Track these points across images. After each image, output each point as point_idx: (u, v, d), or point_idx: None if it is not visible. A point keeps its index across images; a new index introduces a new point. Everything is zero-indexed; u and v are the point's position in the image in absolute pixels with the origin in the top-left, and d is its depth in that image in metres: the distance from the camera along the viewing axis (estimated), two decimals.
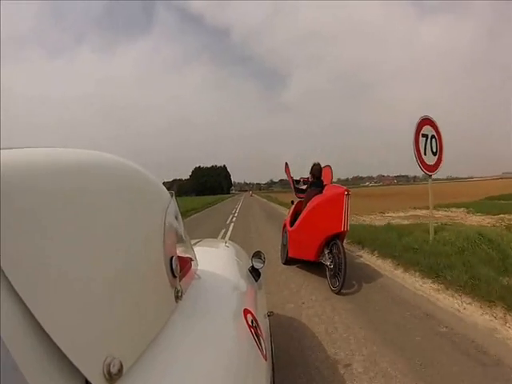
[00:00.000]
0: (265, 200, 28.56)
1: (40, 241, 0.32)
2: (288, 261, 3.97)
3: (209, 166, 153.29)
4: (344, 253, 2.97)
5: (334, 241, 3.14)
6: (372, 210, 9.86)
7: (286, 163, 4.34)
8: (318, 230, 3.23)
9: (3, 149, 0.37)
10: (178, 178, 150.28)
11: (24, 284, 0.29)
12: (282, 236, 4.33)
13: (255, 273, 1.30)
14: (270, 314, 1.41)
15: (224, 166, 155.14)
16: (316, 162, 3.74)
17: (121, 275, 0.44)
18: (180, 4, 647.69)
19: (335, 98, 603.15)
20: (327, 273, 3.16)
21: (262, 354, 0.76)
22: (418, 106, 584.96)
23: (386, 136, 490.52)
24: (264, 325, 0.99)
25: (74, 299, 0.34)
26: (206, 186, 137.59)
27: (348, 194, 3.06)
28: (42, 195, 0.34)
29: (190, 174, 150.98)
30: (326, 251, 3.21)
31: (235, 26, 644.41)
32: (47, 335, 0.30)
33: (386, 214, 9.07)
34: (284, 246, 4.16)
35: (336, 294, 2.87)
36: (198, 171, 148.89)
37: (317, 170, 3.68)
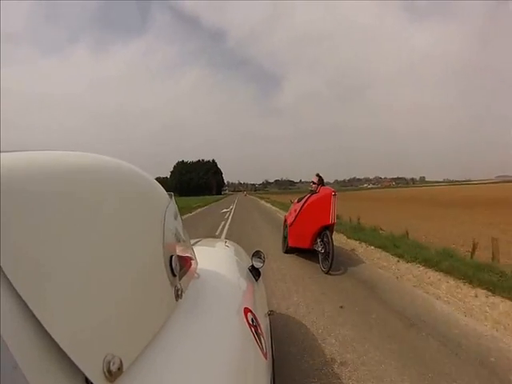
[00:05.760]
0: None
1: (40, 241, 0.33)
2: (288, 250, 4.80)
3: (195, 160, 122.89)
4: (332, 241, 3.76)
5: (324, 231, 3.95)
6: None
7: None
8: (312, 223, 4.04)
9: (3, 152, 0.37)
10: (162, 176, 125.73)
11: (24, 283, 0.29)
12: (283, 230, 5.14)
13: (255, 272, 1.31)
14: (271, 313, 1.40)
15: (213, 160, 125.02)
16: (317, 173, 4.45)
17: (121, 274, 0.44)
18: (175, 5, 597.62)
19: (330, 101, 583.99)
20: (319, 257, 3.99)
21: (263, 352, 0.76)
22: (412, 110, 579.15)
23: (381, 139, 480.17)
24: (264, 324, 0.99)
25: (74, 298, 0.34)
26: (190, 185, 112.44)
27: (335, 195, 3.95)
28: (42, 197, 0.35)
29: (171, 170, 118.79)
30: (319, 240, 4.02)
31: (231, 29, 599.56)
32: (47, 333, 0.30)
33: None
34: (285, 237, 4.96)
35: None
36: (182, 167, 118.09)
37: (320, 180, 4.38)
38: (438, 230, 6.65)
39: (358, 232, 5.96)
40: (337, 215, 8.63)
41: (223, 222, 9.96)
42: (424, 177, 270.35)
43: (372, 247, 4.87)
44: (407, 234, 5.42)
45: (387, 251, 4.43)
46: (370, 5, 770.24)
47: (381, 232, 6.01)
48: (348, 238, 5.78)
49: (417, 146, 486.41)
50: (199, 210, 18.73)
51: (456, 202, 16.81)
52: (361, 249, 5.00)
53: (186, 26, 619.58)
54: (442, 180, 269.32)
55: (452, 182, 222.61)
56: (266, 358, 0.77)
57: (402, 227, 5.89)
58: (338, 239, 5.80)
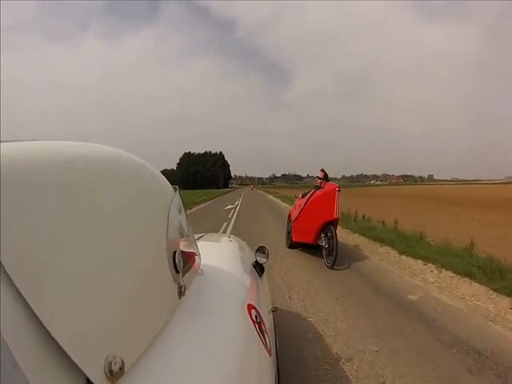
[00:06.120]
0: None
1: (40, 235, 0.32)
2: (291, 245, 4.83)
3: (201, 152, 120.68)
4: (336, 237, 3.81)
5: (328, 227, 3.98)
6: None
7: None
8: (316, 218, 4.08)
9: (3, 142, 0.36)
10: (169, 168, 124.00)
11: (25, 280, 0.29)
12: (287, 224, 5.16)
13: (259, 268, 1.30)
14: (275, 310, 1.39)
15: (220, 152, 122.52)
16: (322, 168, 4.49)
17: (123, 271, 0.43)
18: None
19: (337, 97, 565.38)
20: (323, 252, 4.02)
21: (267, 349, 0.76)
22: (421, 108, 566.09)
23: (388, 135, 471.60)
24: (268, 320, 0.99)
25: (75, 296, 0.34)
26: (197, 178, 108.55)
27: (339, 190, 3.97)
28: (43, 189, 0.34)
29: (178, 162, 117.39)
30: (323, 235, 4.06)
31: (241, 20, 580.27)
32: (48, 333, 0.29)
33: None
34: (289, 232, 4.99)
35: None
36: (188, 158, 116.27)
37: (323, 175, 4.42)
38: (481, 235, 5.47)
39: (403, 243, 4.65)
40: (363, 215, 8.07)
41: (225, 223, 8.63)
42: (432, 175, 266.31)
43: (449, 273, 3.35)
44: (472, 246, 3.95)
45: (480, 282, 2.98)
46: (380, 3, 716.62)
47: (426, 239, 4.78)
48: (400, 253, 4.36)
49: (424, 143, 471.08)
50: (203, 204, 17.38)
51: (476, 202, 15.39)
52: (429, 274, 3.52)
53: (196, 15, 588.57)
54: (450, 179, 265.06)
55: (461, 181, 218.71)
56: (270, 355, 0.78)
57: (439, 231, 5.42)
58: (386, 254, 4.57)
